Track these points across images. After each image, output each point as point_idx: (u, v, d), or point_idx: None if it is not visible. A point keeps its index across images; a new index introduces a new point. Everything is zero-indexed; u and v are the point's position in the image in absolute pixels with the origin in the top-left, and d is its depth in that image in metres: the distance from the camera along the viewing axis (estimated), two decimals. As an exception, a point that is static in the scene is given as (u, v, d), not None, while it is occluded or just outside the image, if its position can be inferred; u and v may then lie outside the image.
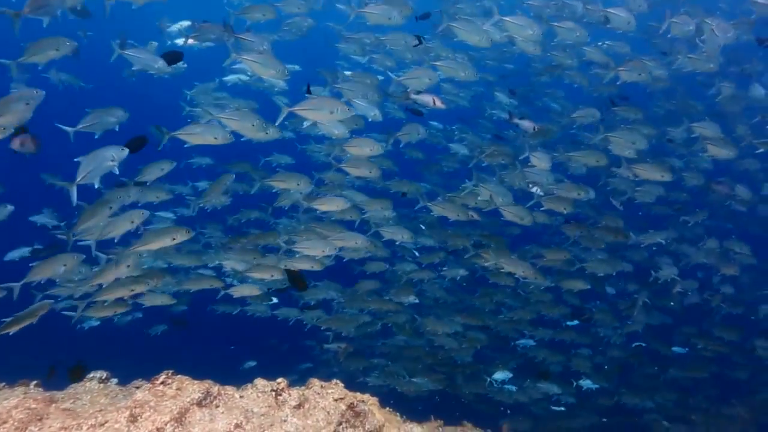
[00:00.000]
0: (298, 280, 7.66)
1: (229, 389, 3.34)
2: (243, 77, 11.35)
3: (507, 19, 7.79)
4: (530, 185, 8.63)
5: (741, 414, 11.40)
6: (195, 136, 6.30)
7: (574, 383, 11.03)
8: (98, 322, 9.87)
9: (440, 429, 4.44)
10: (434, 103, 8.37)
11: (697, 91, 11.79)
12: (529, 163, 8.30)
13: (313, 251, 7.57)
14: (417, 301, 9.82)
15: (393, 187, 9.51)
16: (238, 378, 3.96)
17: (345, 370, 11.05)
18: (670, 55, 10.15)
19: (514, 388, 10.91)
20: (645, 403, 11.15)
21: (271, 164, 10.33)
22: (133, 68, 7.04)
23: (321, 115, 6.74)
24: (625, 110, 9.74)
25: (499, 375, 10.97)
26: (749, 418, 11.34)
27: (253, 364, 12.96)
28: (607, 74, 8.71)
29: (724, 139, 8.78)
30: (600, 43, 9.77)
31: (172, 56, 7.79)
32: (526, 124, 9.24)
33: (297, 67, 12.33)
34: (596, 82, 10.93)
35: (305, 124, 8.06)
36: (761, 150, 9.90)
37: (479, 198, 8.41)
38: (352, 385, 3.89)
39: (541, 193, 8.56)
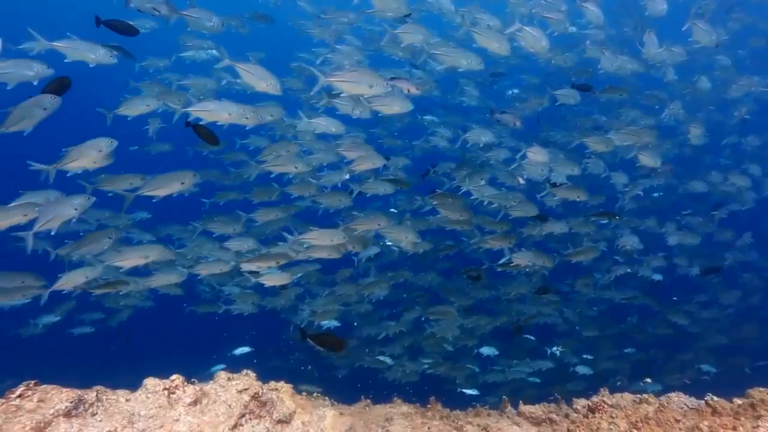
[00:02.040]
0: (334, 343, 6.21)
1: (119, 393, 3.01)
2: (204, 54, 10.11)
3: (527, 29, 7.42)
4: (517, 178, 8.49)
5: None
6: (209, 112, 5.74)
7: (548, 351, 10.79)
8: (57, 318, 9.23)
9: (368, 408, 4.15)
10: (408, 89, 7.93)
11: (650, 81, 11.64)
12: (527, 159, 8.02)
13: (322, 240, 6.89)
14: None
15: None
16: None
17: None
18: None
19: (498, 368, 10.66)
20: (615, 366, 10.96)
21: (247, 147, 9.41)
22: (66, 60, 5.87)
23: (360, 88, 6.02)
24: (612, 91, 9.60)
25: (486, 350, 10.69)
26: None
27: (246, 350, 11.38)
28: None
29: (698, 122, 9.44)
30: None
31: (120, 28, 6.73)
32: (508, 118, 8.91)
33: (262, 55, 11.84)
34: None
35: (342, 95, 6.85)
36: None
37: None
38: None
39: (523, 182, 8.51)
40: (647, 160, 8.36)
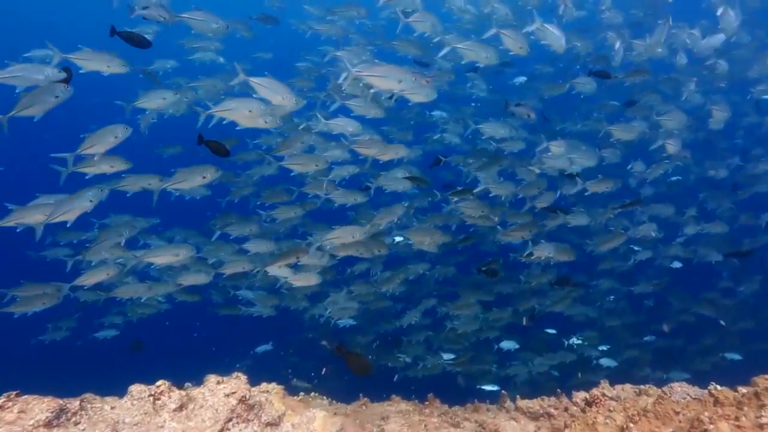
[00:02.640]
0: (362, 366, 5.40)
1: (107, 400, 3.02)
2: (211, 54, 10.02)
3: (547, 27, 7.41)
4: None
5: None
6: (231, 111, 5.74)
7: (565, 342, 10.59)
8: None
9: (365, 406, 4.13)
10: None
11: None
12: (549, 153, 7.92)
13: (345, 238, 6.80)
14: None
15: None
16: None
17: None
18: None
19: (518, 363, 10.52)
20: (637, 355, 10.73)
21: (260, 147, 9.18)
22: (80, 71, 5.75)
23: (389, 83, 5.90)
24: (634, 75, 9.44)
25: (506, 344, 10.56)
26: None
27: (268, 347, 11.29)
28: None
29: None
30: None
31: (133, 39, 6.66)
32: (522, 111, 8.80)
33: (269, 55, 11.69)
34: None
35: (371, 90, 6.59)
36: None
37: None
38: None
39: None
40: (673, 148, 8.25)
